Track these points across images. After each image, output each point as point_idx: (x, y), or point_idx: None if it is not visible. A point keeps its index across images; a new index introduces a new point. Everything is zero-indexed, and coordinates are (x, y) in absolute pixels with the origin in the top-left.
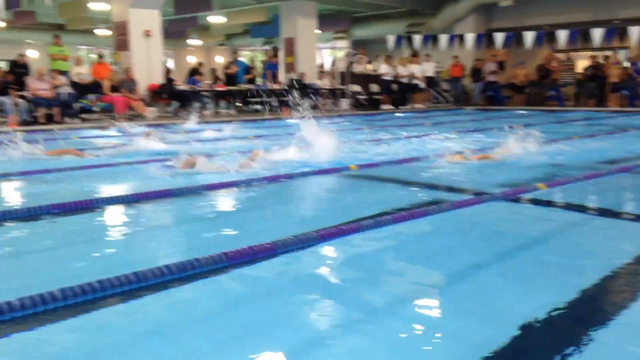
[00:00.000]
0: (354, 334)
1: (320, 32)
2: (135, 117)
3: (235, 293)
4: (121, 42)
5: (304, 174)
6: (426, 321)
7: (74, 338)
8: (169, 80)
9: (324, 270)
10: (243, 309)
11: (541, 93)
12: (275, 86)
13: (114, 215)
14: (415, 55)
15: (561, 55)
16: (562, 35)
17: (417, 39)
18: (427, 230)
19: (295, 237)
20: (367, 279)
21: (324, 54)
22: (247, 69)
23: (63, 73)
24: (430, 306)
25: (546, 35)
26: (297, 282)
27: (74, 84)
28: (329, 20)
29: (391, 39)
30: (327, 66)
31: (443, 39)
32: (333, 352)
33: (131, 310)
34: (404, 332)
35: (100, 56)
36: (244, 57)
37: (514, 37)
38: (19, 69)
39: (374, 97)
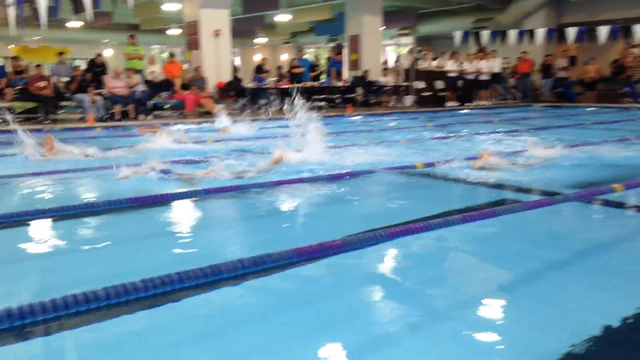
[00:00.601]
0: (417, 335)
1: (384, 28)
2: (204, 114)
3: (303, 289)
4: (192, 41)
5: (369, 172)
6: (491, 326)
7: (152, 328)
8: (236, 78)
9: (391, 269)
10: (310, 305)
11: (614, 89)
12: (340, 83)
13: (187, 209)
14: (481, 51)
15: (637, 51)
16: (639, 30)
17: (485, 34)
18: (495, 231)
19: (364, 234)
20: (433, 279)
21: (387, 51)
22: (312, 67)
23: (138, 72)
24: (495, 310)
25: (621, 30)
26: (365, 280)
27: (147, 82)
28: (393, 17)
29: (458, 35)
30: (391, 63)
31: (512, 34)
32: (395, 352)
33: (204, 303)
34: (468, 336)
35: (172, 55)
36: (309, 54)
37: (587, 32)
38: (96, 68)
39: (438, 93)
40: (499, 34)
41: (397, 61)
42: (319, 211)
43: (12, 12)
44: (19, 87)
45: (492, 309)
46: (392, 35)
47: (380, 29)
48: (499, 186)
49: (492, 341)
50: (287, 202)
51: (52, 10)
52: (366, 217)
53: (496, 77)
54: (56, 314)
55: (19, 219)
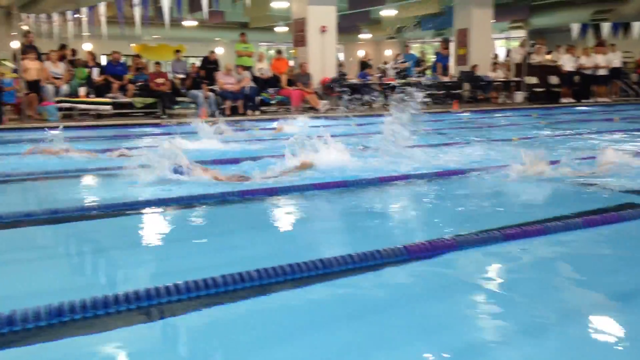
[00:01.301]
0: (520, 343)
1: (495, 22)
2: (309, 109)
3: (410, 288)
4: (299, 38)
5: (476, 170)
6: (597, 340)
7: (259, 318)
8: (341, 74)
9: (501, 272)
10: (415, 304)
11: None
12: (446, 79)
13: (288, 204)
14: (601, 44)
15: None
16: None
17: (606, 27)
18: (618, 237)
19: (477, 234)
20: (542, 285)
21: (496, 45)
22: (418, 62)
23: (247, 68)
24: (604, 324)
25: None
26: (472, 282)
27: (255, 79)
28: (505, 10)
29: (575, 28)
30: (502, 57)
31: (636, 26)
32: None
33: (310, 297)
34: (573, 349)
35: (279, 52)
36: (414, 50)
37: None
38: (209, 65)
39: (552, 89)
40: (621, 26)
41: (507, 55)
42: (424, 209)
43: (138, 11)
44: (140, 83)
45: (600, 322)
46: (502, 28)
47: (491, 22)
48: (622, 189)
49: (597, 357)
50: (391, 199)
51: (174, 10)
52: (474, 217)
53: (616, 72)
54: (174, 297)
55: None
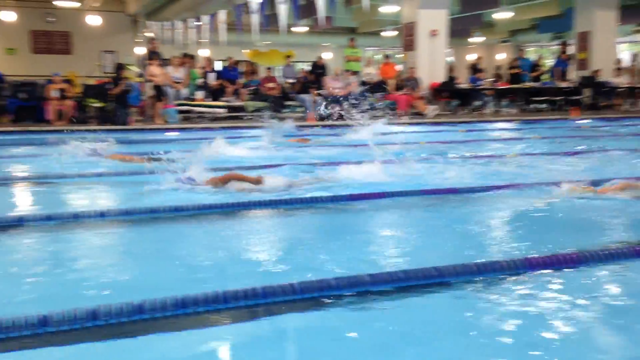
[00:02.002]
0: None
1: (620, 24)
2: (417, 114)
3: (533, 303)
4: (408, 42)
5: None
6: None
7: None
8: (451, 78)
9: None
10: (534, 321)
11: None
12: (564, 84)
13: (377, 211)
14: None
15: None
16: None
17: None
18: None
19: (602, 250)
20: None
21: (619, 49)
22: (533, 66)
23: (355, 73)
24: None
25: None
26: (591, 300)
27: (362, 83)
28: (632, 11)
29: None
30: (626, 62)
31: None
32: None
33: (411, 307)
34: None
35: (387, 57)
36: (530, 53)
37: None
38: (318, 70)
39: None
40: None
41: (633, 60)
42: (534, 221)
43: (255, 18)
44: (252, 87)
45: None
46: (627, 31)
47: (615, 24)
48: None
49: None
50: (486, 210)
51: (289, 16)
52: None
53: None
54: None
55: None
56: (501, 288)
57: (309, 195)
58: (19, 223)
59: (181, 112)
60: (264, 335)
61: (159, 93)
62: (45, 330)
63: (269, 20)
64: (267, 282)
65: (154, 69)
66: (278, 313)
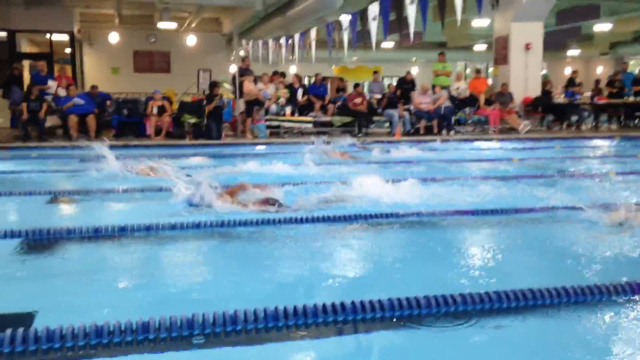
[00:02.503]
0: None
1: None
2: (509, 130)
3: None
4: (500, 56)
5: None
6: None
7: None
8: (545, 93)
9: None
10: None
11: None
12: None
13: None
14: None
15: None
16: None
17: None
18: None
19: None
20: None
21: None
22: (636, 80)
23: (444, 88)
24: None
25: None
26: None
27: (452, 98)
28: None
29: None
30: None
31: None
32: None
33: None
34: None
35: (478, 71)
36: (632, 67)
37: None
38: (405, 85)
39: None
40: None
41: None
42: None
43: (346, 36)
44: (339, 103)
45: None
46: None
47: None
48: None
49: None
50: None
51: (379, 32)
52: None
53: None
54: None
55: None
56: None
57: (392, 211)
58: (121, 233)
59: (270, 127)
60: (352, 353)
61: (251, 109)
62: (146, 337)
63: (359, 37)
64: (356, 298)
65: (248, 85)
66: (367, 330)
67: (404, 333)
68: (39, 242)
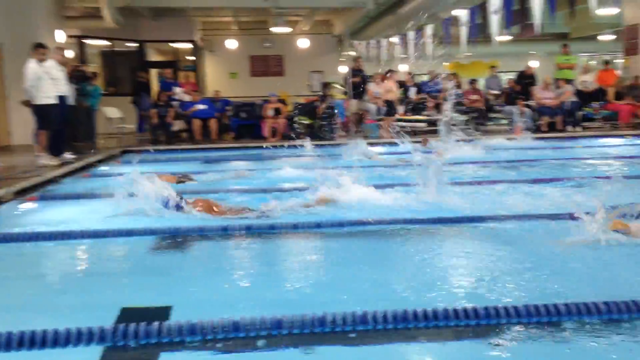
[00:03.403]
0: None
1: None
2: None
3: None
4: (631, 46)
5: None
6: None
7: None
8: None
9: None
10: None
11: None
12: None
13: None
14: None
15: None
16: None
17: None
18: None
19: None
20: None
21: None
22: None
23: (568, 82)
24: None
25: None
26: None
27: (578, 92)
28: None
29: None
30: None
31: None
32: None
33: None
34: None
35: (607, 62)
36: None
37: None
38: (525, 80)
39: None
40: None
41: None
42: None
43: (464, 31)
44: (454, 100)
45: None
46: None
47: None
48: None
49: None
50: None
51: (500, 25)
52: None
53: None
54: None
55: None
56: None
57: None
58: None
59: (382, 126)
60: None
61: (390, 108)
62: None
63: (478, 31)
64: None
65: (390, 84)
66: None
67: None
68: (171, 239)
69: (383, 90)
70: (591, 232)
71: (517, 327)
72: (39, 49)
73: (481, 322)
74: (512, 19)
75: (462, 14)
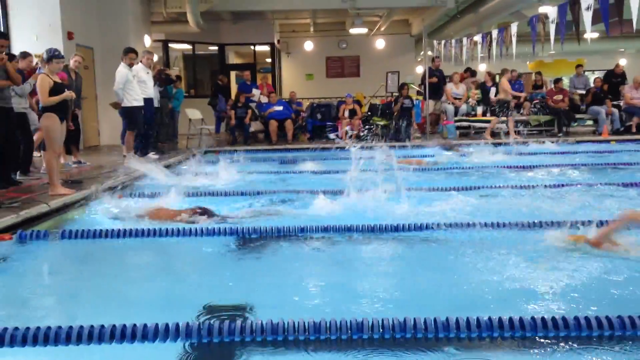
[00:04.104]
0: None
1: None
2: None
3: None
4: None
5: None
6: None
7: None
8: None
9: None
10: None
11: None
12: None
13: None
14: None
15: None
16: None
17: None
18: None
19: None
20: None
21: None
22: None
23: None
24: None
25: None
26: None
27: None
28: None
29: None
30: None
31: None
32: None
33: None
34: None
35: None
36: None
37: None
38: (614, 79)
39: None
40: None
41: None
42: None
43: (553, 28)
44: (536, 101)
45: None
46: None
47: None
48: None
49: None
50: None
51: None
52: None
53: None
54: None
55: None
56: None
57: None
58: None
59: (459, 127)
60: None
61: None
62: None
63: (568, 28)
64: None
65: (504, 84)
66: None
67: None
68: (251, 240)
69: (462, 91)
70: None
71: None
72: (130, 54)
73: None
74: (607, 15)
75: (550, 10)
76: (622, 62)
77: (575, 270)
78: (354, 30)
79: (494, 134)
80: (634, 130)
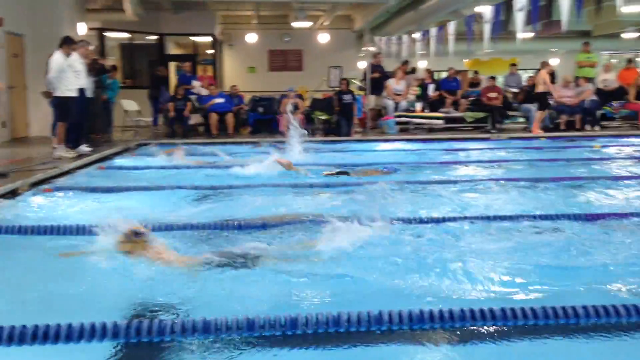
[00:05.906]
0: None
1: None
2: None
3: None
4: None
5: None
6: None
7: None
8: None
9: None
10: None
11: None
12: None
13: None
14: None
15: None
16: None
17: None
18: None
19: None
20: None
21: None
22: None
23: (589, 80)
24: None
25: None
26: None
27: (598, 91)
28: None
29: None
30: None
31: None
32: None
33: None
34: None
35: (630, 61)
36: None
37: None
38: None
39: None
40: None
41: None
42: None
43: (487, 27)
44: (472, 98)
45: None
46: None
47: None
48: None
49: None
50: None
51: (527, 21)
52: None
53: None
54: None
55: None
56: None
57: None
58: None
59: (399, 123)
60: None
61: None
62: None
63: (501, 28)
64: None
65: (544, 76)
66: None
67: None
68: None
69: (402, 87)
70: None
71: None
72: (73, 45)
73: None
74: (537, 16)
75: (485, 10)
76: (554, 61)
77: None
78: (297, 24)
79: (433, 130)
80: (562, 127)
